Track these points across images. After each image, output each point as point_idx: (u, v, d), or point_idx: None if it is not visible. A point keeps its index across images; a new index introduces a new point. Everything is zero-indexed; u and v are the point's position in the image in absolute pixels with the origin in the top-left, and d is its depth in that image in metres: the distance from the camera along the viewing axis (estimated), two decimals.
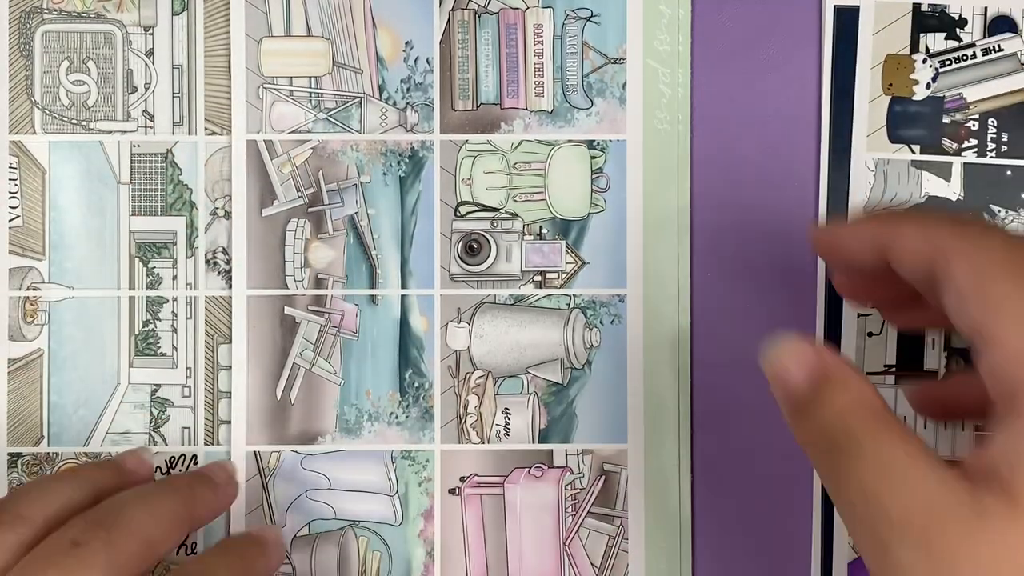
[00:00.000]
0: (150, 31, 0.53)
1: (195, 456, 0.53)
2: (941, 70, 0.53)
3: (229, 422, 0.53)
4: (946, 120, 0.53)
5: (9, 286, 0.53)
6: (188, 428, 0.53)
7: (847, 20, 0.53)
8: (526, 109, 0.51)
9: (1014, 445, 0.33)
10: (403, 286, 0.51)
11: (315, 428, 0.51)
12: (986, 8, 0.53)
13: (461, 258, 0.50)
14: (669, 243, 0.50)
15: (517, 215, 0.50)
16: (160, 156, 0.53)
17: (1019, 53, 0.53)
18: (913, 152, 0.53)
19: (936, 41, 0.53)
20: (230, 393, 0.53)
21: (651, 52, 0.50)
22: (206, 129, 0.53)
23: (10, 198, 0.53)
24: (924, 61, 0.53)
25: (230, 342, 0.53)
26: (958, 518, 0.33)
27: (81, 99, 0.53)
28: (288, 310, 0.51)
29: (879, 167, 0.53)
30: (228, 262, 0.53)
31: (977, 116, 0.53)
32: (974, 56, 0.53)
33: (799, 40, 0.53)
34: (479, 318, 0.50)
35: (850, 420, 0.36)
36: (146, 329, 0.53)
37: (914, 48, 0.53)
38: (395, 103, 0.51)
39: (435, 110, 0.51)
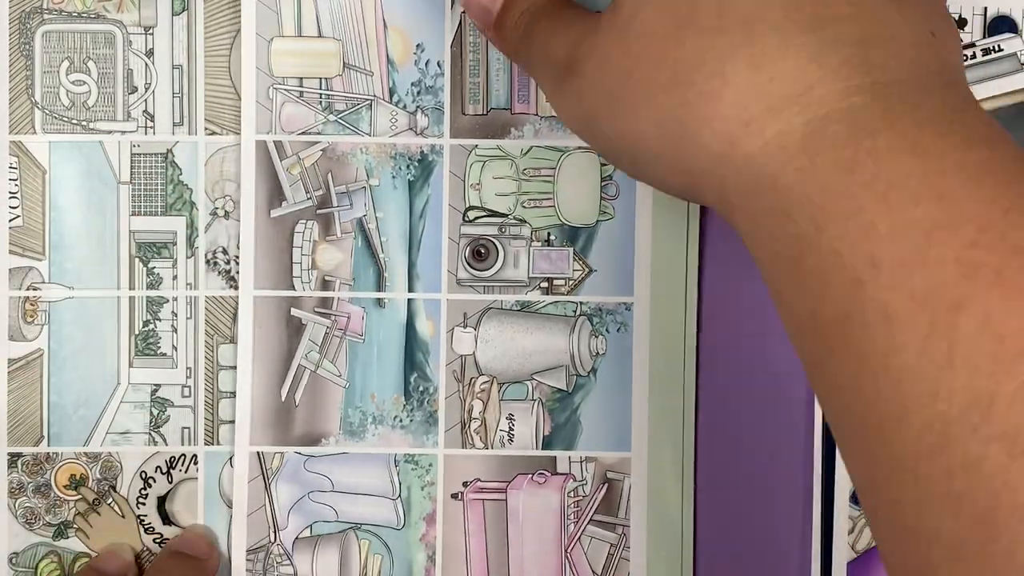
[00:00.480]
0: (150, 31, 0.53)
1: (195, 456, 0.53)
2: None
3: (230, 422, 0.53)
4: None
5: (9, 286, 0.53)
6: (188, 428, 0.53)
7: None
8: (536, 115, 0.50)
9: None
10: (410, 290, 0.50)
11: (319, 430, 0.51)
12: (986, 8, 0.53)
13: (468, 263, 0.49)
14: (678, 251, 0.49)
15: (525, 221, 0.50)
16: (160, 156, 0.53)
17: (1019, 53, 0.53)
18: None
19: None
20: (231, 393, 0.53)
21: None
22: (206, 129, 0.53)
23: (10, 198, 0.53)
24: None
25: (230, 342, 0.53)
26: (588, 39, 0.37)
27: (81, 99, 0.53)
28: (295, 311, 0.51)
29: None
30: (228, 262, 0.53)
31: None
32: (974, 56, 0.53)
33: None
34: (485, 323, 0.50)
35: (528, 18, 0.41)
36: (146, 329, 0.53)
37: None
38: (405, 106, 0.50)
39: (445, 114, 0.50)
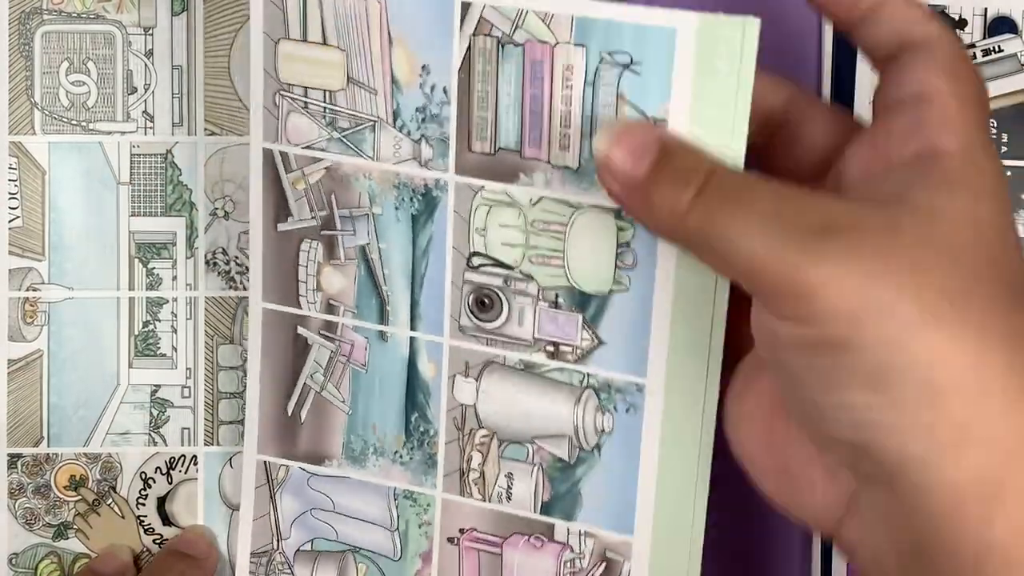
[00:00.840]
0: (150, 32, 0.53)
1: (195, 457, 0.53)
2: None
3: (230, 423, 0.53)
4: None
5: (9, 287, 0.53)
6: (188, 429, 0.53)
7: None
8: (548, 162, 0.43)
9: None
10: (412, 328, 0.47)
11: (322, 450, 0.49)
12: (986, 9, 0.53)
13: (472, 311, 0.45)
14: (700, 336, 0.43)
15: (532, 277, 0.45)
16: (160, 157, 0.53)
17: (1019, 54, 0.53)
18: None
19: None
20: (231, 394, 0.53)
21: (699, 118, 0.40)
22: (206, 130, 0.53)
23: (10, 199, 0.53)
24: None
25: (230, 343, 0.53)
26: (882, 231, 0.33)
27: (81, 100, 0.53)
28: (301, 330, 0.48)
29: None
30: (228, 263, 0.53)
31: None
32: (974, 57, 0.53)
33: (799, 41, 0.53)
34: (487, 376, 0.46)
35: (708, 192, 0.36)
36: (146, 330, 0.53)
37: None
38: (409, 132, 0.45)
39: (450, 147, 0.44)
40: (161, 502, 0.53)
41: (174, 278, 0.53)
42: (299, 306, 0.48)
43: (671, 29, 0.39)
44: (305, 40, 0.45)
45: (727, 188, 0.35)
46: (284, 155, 0.47)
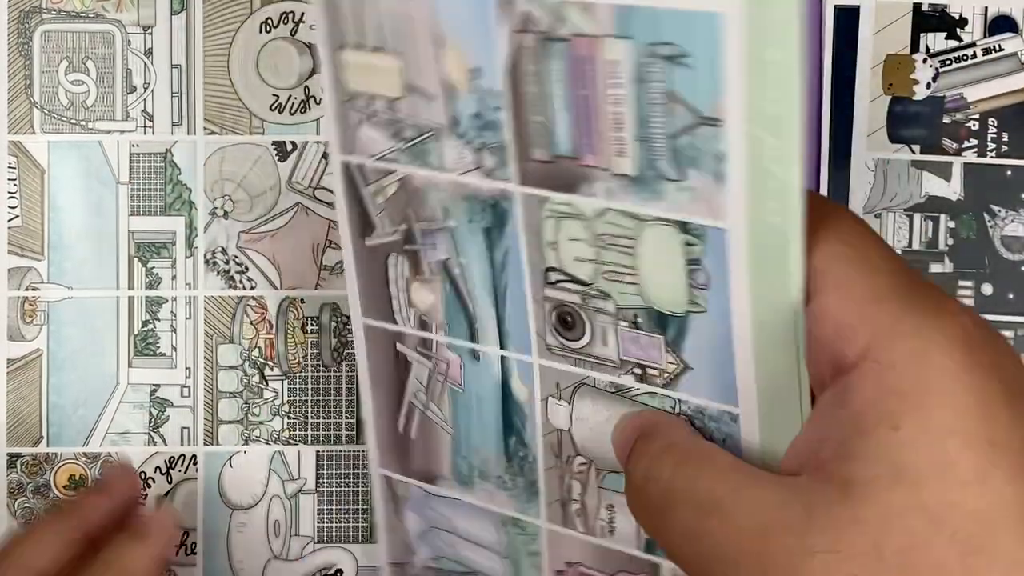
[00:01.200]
0: (149, 31, 0.53)
1: (195, 456, 0.53)
2: (941, 70, 0.53)
3: (229, 422, 0.53)
4: (946, 120, 0.53)
5: (8, 286, 0.53)
6: (187, 428, 0.53)
7: (847, 20, 0.53)
8: (607, 170, 0.37)
9: (835, 432, 0.33)
10: (501, 346, 0.43)
11: (433, 470, 0.47)
12: (986, 8, 0.53)
13: (556, 329, 0.41)
14: (787, 361, 0.37)
15: (609, 295, 0.40)
16: (159, 156, 0.53)
17: (1019, 53, 0.53)
18: (913, 152, 0.53)
19: (936, 41, 0.53)
20: (230, 393, 0.53)
21: (756, 116, 0.33)
22: (205, 129, 0.53)
23: (9, 198, 0.53)
24: (924, 61, 0.53)
25: (230, 342, 0.53)
26: (790, 529, 0.32)
27: (80, 99, 0.53)
28: (399, 346, 0.46)
29: (879, 167, 0.53)
30: (227, 262, 0.53)
31: (977, 116, 0.53)
32: (974, 56, 0.53)
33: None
34: (578, 400, 0.42)
35: (662, 467, 0.36)
36: (145, 329, 0.53)
37: (914, 48, 0.53)
38: (470, 141, 0.40)
39: (510, 155, 0.40)
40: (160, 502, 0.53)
41: (173, 277, 0.53)
42: (395, 322, 0.45)
43: (713, 14, 0.33)
44: (363, 47, 0.41)
45: (670, 467, 0.36)
46: (360, 167, 0.43)
